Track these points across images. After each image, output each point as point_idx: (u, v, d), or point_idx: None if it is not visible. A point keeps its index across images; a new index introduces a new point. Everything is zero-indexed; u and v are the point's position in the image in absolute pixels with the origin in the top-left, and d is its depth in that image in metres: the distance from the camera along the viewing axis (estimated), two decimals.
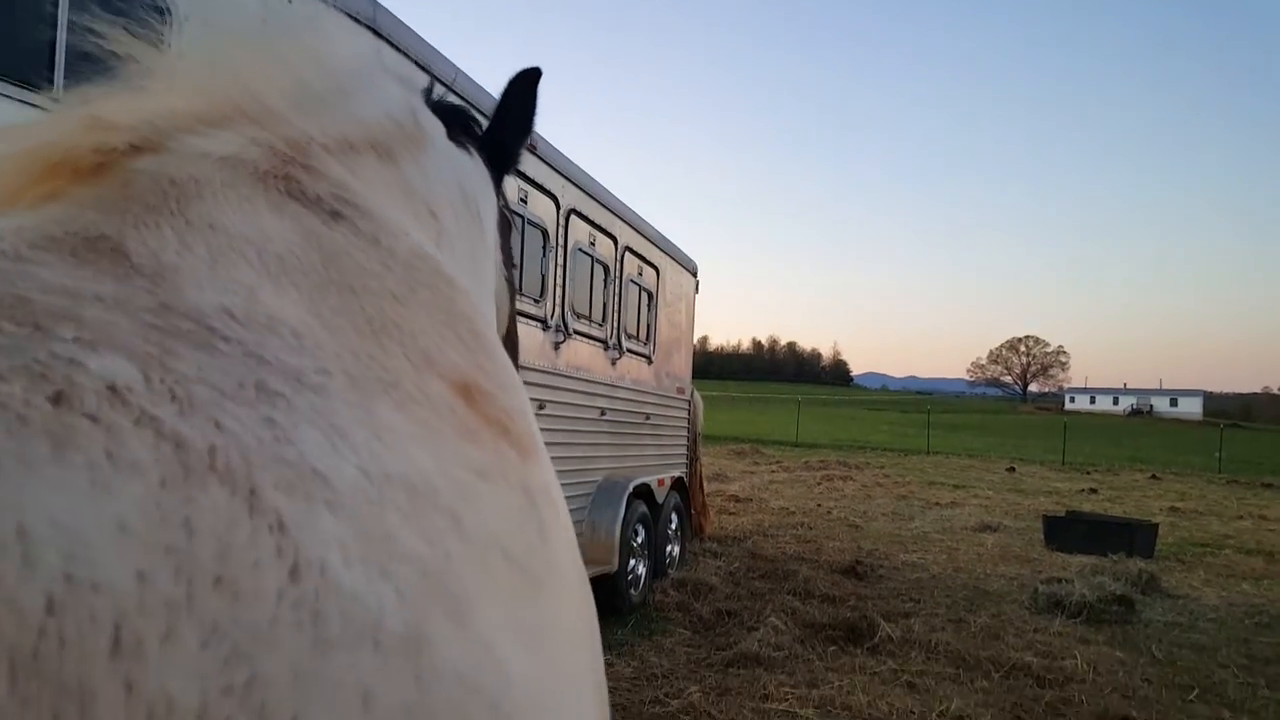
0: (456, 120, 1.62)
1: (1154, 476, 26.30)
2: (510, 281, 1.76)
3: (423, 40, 4.62)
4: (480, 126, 1.74)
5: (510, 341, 1.85)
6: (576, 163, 6.70)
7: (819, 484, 18.99)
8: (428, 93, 1.60)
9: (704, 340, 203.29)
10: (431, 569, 0.59)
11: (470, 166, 1.53)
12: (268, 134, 0.91)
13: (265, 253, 0.75)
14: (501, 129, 1.74)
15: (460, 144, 1.56)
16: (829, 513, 14.16)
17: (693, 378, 9.94)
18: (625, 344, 7.51)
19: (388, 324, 0.78)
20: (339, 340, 0.71)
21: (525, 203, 5.80)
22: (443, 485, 0.66)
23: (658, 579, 7.77)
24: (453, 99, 1.72)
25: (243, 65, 0.98)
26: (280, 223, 0.80)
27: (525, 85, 1.74)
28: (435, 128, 1.42)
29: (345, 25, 3.25)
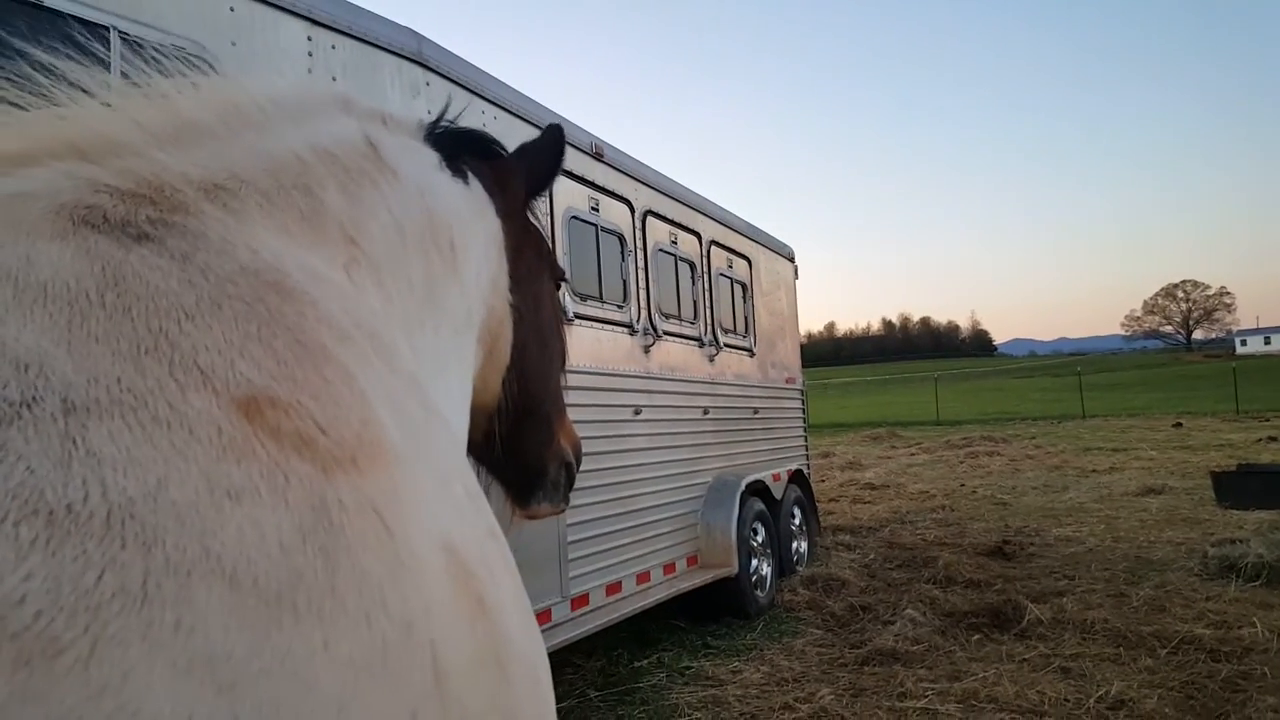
0: (465, 146, 1.71)
1: None
2: (519, 307, 1.77)
3: (469, 64, 4.66)
4: (503, 150, 1.84)
5: (534, 361, 1.87)
6: (649, 164, 6.59)
7: (962, 463, 18.11)
8: (434, 124, 1.69)
9: (830, 326, 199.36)
10: (25, 614, 0.55)
11: (457, 195, 1.58)
12: (95, 168, 0.94)
13: (26, 283, 0.75)
14: (527, 169, 1.88)
15: (459, 171, 1.63)
16: (973, 492, 13.44)
17: (822, 365, 9.63)
18: (722, 339, 7.30)
19: (160, 343, 0.77)
20: (84, 365, 0.70)
21: (597, 210, 5.73)
22: (147, 511, 0.63)
23: (785, 577, 7.51)
24: (466, 125, 1.79)
25: (106, 107, 1.04)
26: (59, 251, 0.80)
27: (553, 138, 1.94)
28: (412, 158, 1.49)
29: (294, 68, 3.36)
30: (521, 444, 1.90)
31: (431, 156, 1.59)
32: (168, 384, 0.73)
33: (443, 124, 1.71)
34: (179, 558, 0.62)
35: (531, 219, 1.94)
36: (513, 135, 4.56)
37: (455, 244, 1.48)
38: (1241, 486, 10.22)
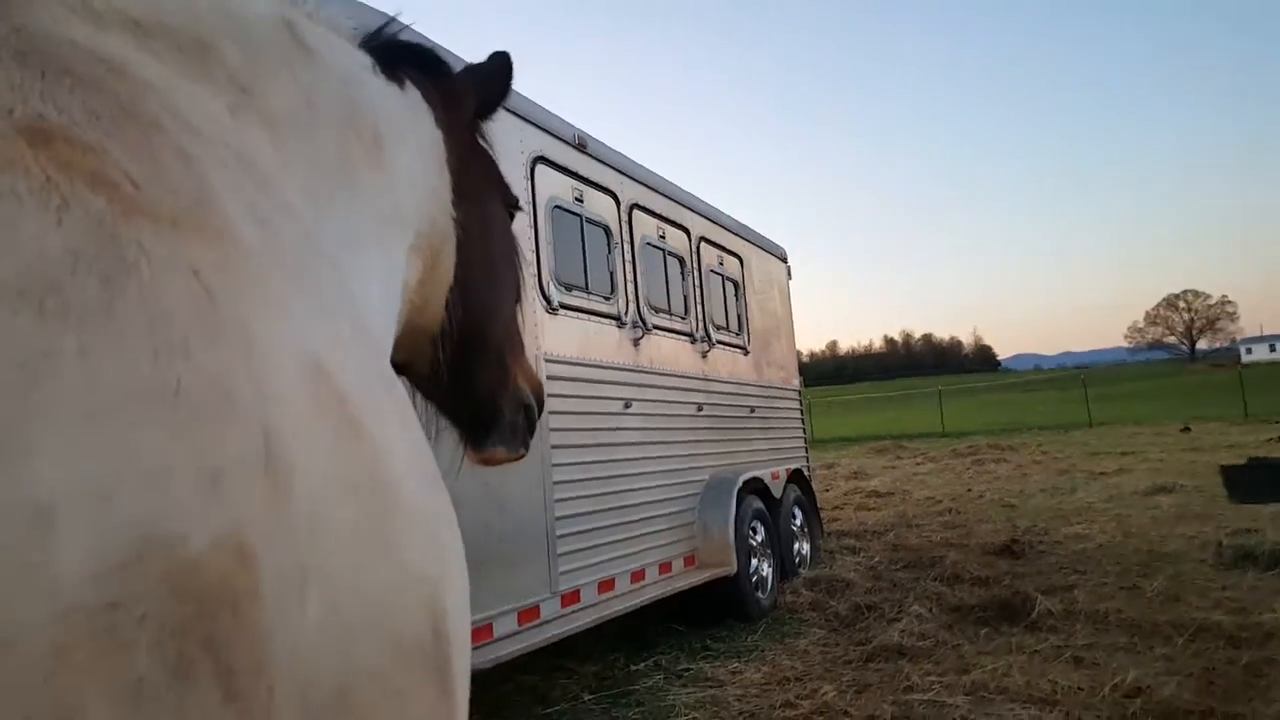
0: (405, 59, 1.67)
1: None
2: (463, 223, 1.69)
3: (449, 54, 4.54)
4: (448, 68, 1.81)
5: (481, 284, 1.76)
6: (636, 159, 6.49)
7: (968, 469, 17.85)
8: (374, 32, 1.65)
9: (832, 345, 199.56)
10: None
11: (389, 95, 1.54)
12: None
13: None
14: (475, 89, 1.84)
15: (395, 78, 1.59)
16: (980, 496, 13.21)
17: (824, 383, 9.48)
18: (715, 336, 7.15)
19: None
20: None
21: (581, 202, 5.61)
22: None
23: (787, 579, 7.30)
24: (408, 38, 1.75)
25: None
26: None
27: (502, 62, 1.92)
28: (336, 50, 1.43)
29: None
30: (471, 379, 1.79)
31: (363, 58, 1.53)
32: None
33: (385, 33, 1.65)
34: None
35: (480, 140, 1.88)
36: (504, 134, 4.45)
37: (381, 138, 1.41)
38: (1253, 480, 10.00)
